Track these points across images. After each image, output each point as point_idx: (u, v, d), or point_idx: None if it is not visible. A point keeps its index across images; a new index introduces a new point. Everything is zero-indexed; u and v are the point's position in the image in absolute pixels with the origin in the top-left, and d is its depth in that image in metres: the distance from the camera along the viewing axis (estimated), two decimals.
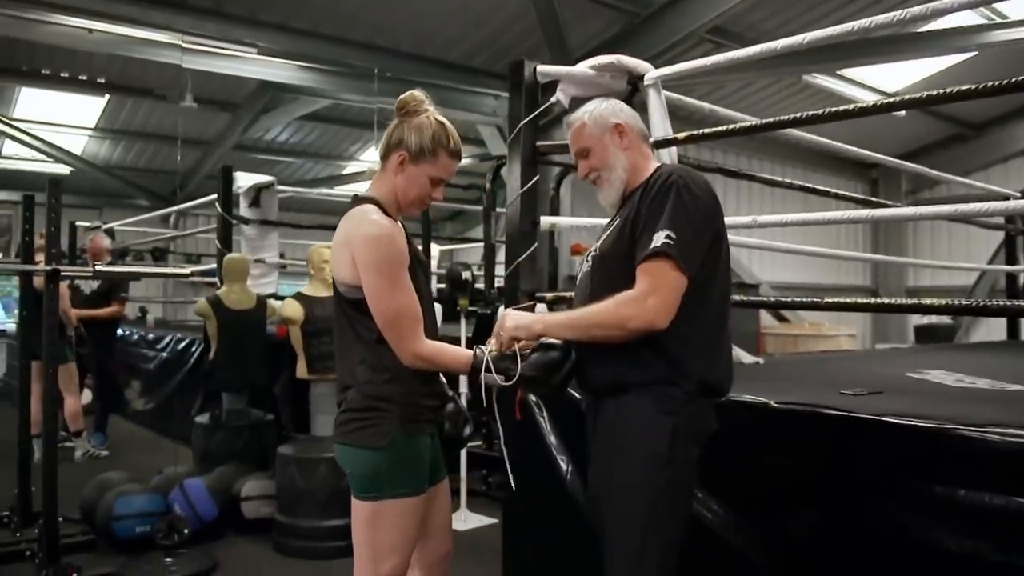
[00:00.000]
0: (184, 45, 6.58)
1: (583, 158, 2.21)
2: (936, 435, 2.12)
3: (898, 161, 5.58)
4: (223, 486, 4.53)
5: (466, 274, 4.90)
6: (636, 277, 1.94)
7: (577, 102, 3.75)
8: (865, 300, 2.70)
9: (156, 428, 7.56)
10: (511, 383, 2.02)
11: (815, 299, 2.79)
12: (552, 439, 3.23)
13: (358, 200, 2.18)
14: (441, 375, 2.26)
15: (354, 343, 2.13)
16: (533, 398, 3.25)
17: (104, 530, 4.18)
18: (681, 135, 3.25)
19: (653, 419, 1.95)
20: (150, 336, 8.19)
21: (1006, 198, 5.69)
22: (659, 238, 1.90)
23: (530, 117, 3.55)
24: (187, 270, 4.46)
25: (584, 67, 3.53)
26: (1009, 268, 6.97)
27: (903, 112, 9.56)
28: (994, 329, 10.65)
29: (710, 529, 2.53)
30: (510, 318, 2.07)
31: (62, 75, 9.30)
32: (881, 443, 2.25)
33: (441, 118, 2.19)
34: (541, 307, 3.67)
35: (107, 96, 9.91)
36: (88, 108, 10.38)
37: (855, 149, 4.60)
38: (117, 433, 7.19)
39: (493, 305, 5.52)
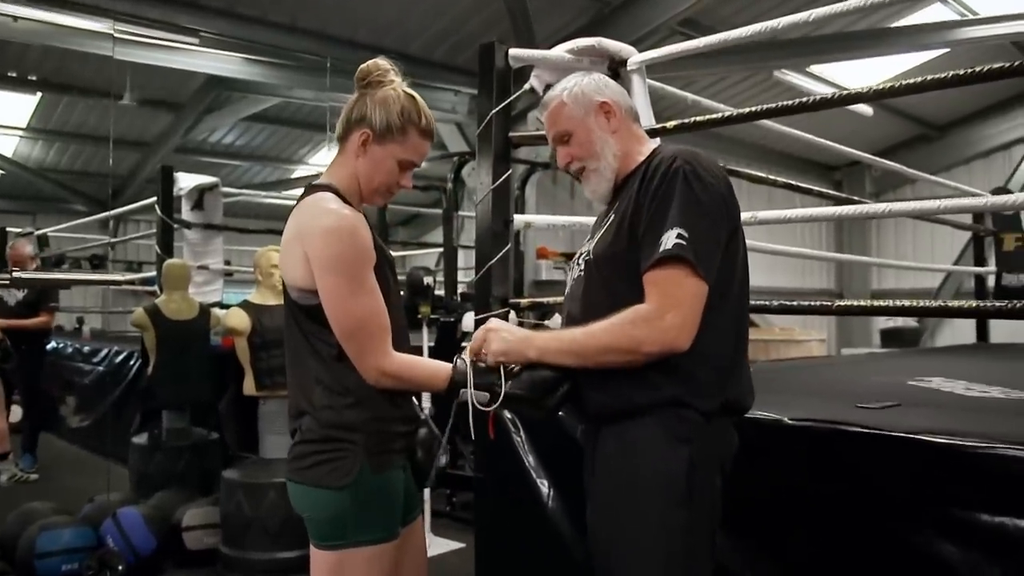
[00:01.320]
0: (116, 35, 6.07)
1: (563, 144, 1.85)
2: (983, 455, 1.86)
3: (874, 158, 5.41)
4: (162, 515, 4.11)
5: (427, 279, 4.55)
6: (644, 288, 1.62)
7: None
8: (903, 303, 2.42)
9: (92, 447, 7.05)
10: (497, 404, 1.69)
11: (825, 303, 2.51)
12: (530, 459, 2.93)
13: (312, 188, 1.82)
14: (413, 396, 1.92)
15: (309, 360, 1.78)
16: (508, 415, 2.94)
17: (26, 568, 3.74)
18: (671, 124, 2.95)
19: (665, 448, 1.63)
20: (86, 348, 7.68)
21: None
22: (669, 238, 1.58)
23: (501, 106, 3.23)
24: (120, 277, 4.05)
25: (561, 51, 3.23)
26: (977, 269, 6.86)
27: (870, 111, 9.50)
28: (958, 331, 10.64)
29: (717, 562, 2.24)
30: (497, 339, 1.72)
31: None
32: (916, 464, 1.98)
33: (410, 91, 1.85)
34: (514, 315, 3.38)
35: (39, 94, 9.32)
36: (19, 107, 9.77)
37: (833, 145, 4.43)
38: (50, 453, 6.71)
39: (456, 312, 5.20)
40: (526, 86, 3.34)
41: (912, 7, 7.61)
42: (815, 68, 8.08)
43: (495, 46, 3.25)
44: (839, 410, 2.43)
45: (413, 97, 1.84)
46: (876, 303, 2.57)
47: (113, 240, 9.35)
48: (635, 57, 3.16)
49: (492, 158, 3.22)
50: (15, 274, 3.23)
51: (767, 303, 2.77)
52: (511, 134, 3.28)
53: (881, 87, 2.37)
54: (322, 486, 1.73)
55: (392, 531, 1.79)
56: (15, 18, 5.98)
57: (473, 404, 1.72)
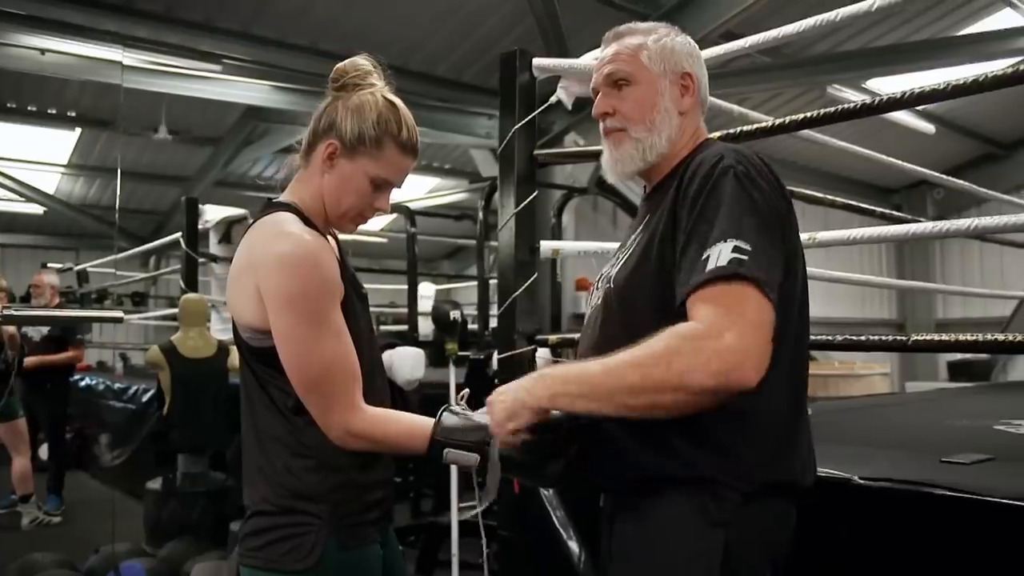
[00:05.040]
0: (135, 64, 5.94)
1: (614, 87, 1.46)
2: None
3: (938, 175, 4.96)
4: (169, 568, 3.84)
5: (454, 314, 4.22)
6: (688, 311, 1.22)
7: (582, 103, 3.17)
8: (1000, 337, 2.03)
9: (122, 488, 6.86)
10: (487, 468, 1.35)
11: (900, 337, 2.11)
12: (559, 514, 2.60)
13: (269, 207, 1.52)
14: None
15: (264, 411, 1.47)
16: None
17: None
18: (714, 135, 2.60)
19: (694, 533, 1.27)
20: (116, 386, 7.52)
21: None
22: (722, 251, 1.19)
23: (524, 121, 2.93)
24: (117, 312, 3.83)
25: (590, 59, 2.91)
26: None
27: (931, 129, 9.03)
28: None
29: None
30: (499, 404, 1.34)
31: (29, 108, 8.75)
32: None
33: (392, 97, 1.54)
34: (543, 352, 3.05)
35: (78, 130, 9.33)
36: (60, 144, 9.80)
37: (893, 160, 4.03)
38: (81, 492, 6.55)
39: (488, 350, 4.88)
40: (552, 99, 3.05)
41: (977, 15, 7.15)
42: (872, 83, 7.64)
43: (517, 55, 2.96)
44: (920, 465, 2.05)
45: (394, 104, 1.53)
46: (957, 338, 2.17)
47: (142, 276, 9.27)
48: None
49: (515, 179, 2.92)
50: (5, 312, 3.01)
51: (831, 338, 2.39)
52: (536, 152, 2.98)
53: (936, 87, 2.04)
54: (280, 570, 1.41)
55: None
56: (42, 51, 5.89)
57: (460, 464, 1.39)
